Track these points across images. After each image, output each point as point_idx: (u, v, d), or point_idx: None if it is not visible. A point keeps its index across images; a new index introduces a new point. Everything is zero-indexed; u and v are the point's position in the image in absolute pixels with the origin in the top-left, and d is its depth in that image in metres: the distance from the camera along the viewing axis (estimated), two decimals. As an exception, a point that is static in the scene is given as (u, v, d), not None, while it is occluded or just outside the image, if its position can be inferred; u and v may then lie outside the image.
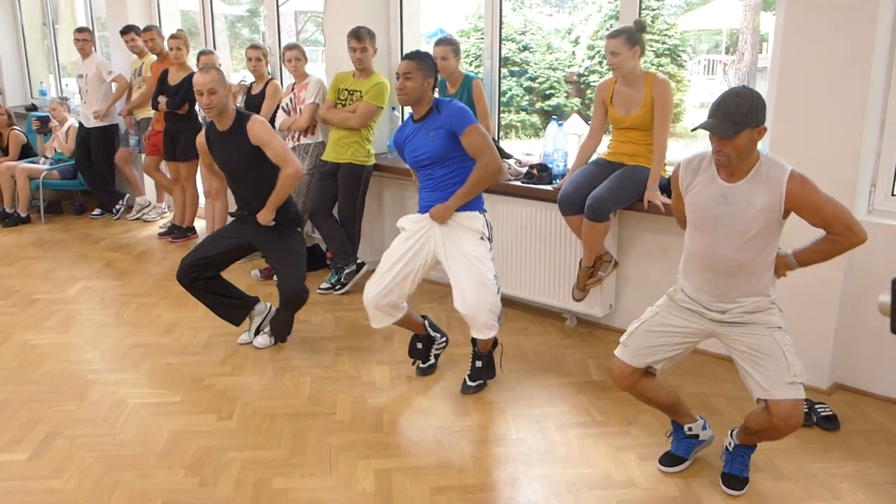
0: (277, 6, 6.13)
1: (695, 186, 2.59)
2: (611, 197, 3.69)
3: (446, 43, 4.47)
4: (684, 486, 2.83)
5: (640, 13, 4.10)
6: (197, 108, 5.79)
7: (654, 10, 13.04)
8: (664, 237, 3.96)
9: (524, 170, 4.43)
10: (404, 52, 5.22)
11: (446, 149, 3.32)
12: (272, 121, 5.30)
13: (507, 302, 4.64)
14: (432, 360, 3.82)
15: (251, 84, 5.45)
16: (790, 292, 3.52)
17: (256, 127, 3.80)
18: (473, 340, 3.58)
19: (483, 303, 3.34)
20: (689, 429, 2.93)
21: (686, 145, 11.61)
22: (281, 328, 4.11)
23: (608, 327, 4.28)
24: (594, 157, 3.99)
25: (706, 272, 2.60)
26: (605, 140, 4.04)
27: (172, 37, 5.83)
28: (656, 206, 3.67)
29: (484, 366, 3.63)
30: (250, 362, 3.92)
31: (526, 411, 3.40)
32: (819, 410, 3.26)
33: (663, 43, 12.95)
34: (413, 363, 3.83)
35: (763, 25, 13.31)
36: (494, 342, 3.61)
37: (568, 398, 3.52)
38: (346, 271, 4.93)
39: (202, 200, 6.19)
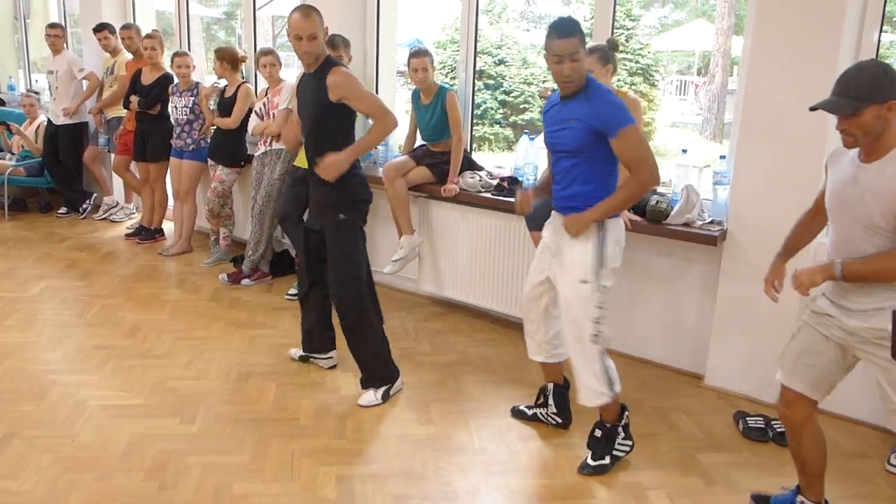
0: (254, 10, 6.12)
1: (835, 169, 2.37)
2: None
3: (424, 54, 4.51)
4: (641, 497, 2.86)
5: (612, 32, 4.17)
6: (169, 108, 5.76)
7: (628, 29, 13.23)
8: (629, 253, 4.00)
9: (495, 182, 4.47)
10: (378, 60, 5.26)
11: (583, 144, 2.81)
12: (244, 125, 5.30)
13: (475, 313, 4.68)
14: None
15: (224, 87, 5.43)
16: (753, 311, 3.60)
17: (335, 77, 3.27)
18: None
19: (580, 361, 2.94)
20: (802, 502, 2.69)
21: (657, 163, 11.78)
22: (370, 361, 3.58)
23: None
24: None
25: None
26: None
27: (147, 36, 5.81)
28: (624, 222, 3.71)
29: (604, 438, 3.05)
30: (215, 367, 3.89)
31: (489, 421, 3.42)
32: (775, 426, 3.32)
33: (637, 62, 13.13)
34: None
35: (734, 49, 13.57)
36: (622, 410, 3.08)
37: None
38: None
39: (171, 202, 6.15)
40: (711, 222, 3.74)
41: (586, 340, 2.89)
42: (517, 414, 3.46)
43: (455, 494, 2.85)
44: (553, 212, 3.04)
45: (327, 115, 3.36)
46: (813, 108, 2.26)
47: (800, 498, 2.67)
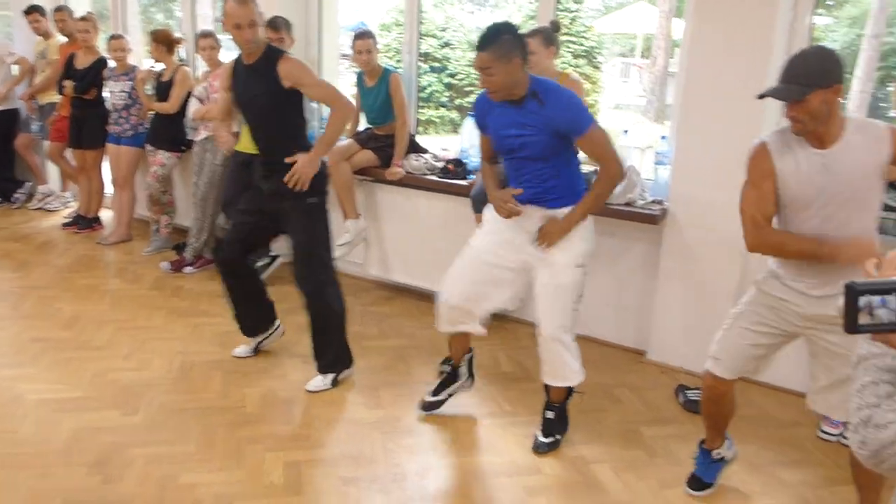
0: (192, -8, 5.98)
1: (790, 163, 2.33)
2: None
3: (368, 36, 4.48)
4: (586, 472, 2.92)
5: (555, 14, 4.20)
6: (106, 93, 5.60)
7: (572, 12, 13.30)
8: (574, 233, 4.06)
9: (440, 165, 4.47)
10: (321, 43, 5.19)
11: (551, 150, 2.80)
12: (183, 109, 5.18)
13: (422, 296, 4.69)
14: (442, 397, 3.33)
15: (161, 71, 5.30)
16: (692, 288, 3.69)
17: (288, 66, 3.22)
18: (546, 386, 3.13)
19: (563, 344, 2.97)
20: (718, 454, 2.81)
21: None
22: (336, 347, 3.58)
23: (519, 320, 4.36)
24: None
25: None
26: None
27: (81, 19, 5.62)
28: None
29: (557, 417, 3.13)
30: (158, 357, 3.82)
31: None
32: (689, 395, 3.42)
33: (580, 45, 13.22)
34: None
35: (676, 32, 13.77)
36: (569, 391, 3.16)
37: (478, 389, 3.57)
38: (259, 264, 4.86)
39: (109, 189, 6.00)
40: (653, 202, 3.80)
41: (569, 321, 2.93)
42: (429, 407, 3.33)
43: (404, 476, 2.87)
44: (529, 207, 2.90)
45: (283, 104, 3.30)
46: (761, 96, 2.29)
47: (715, 452, 2.80)
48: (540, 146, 2.79)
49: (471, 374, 3.39)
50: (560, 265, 2.89)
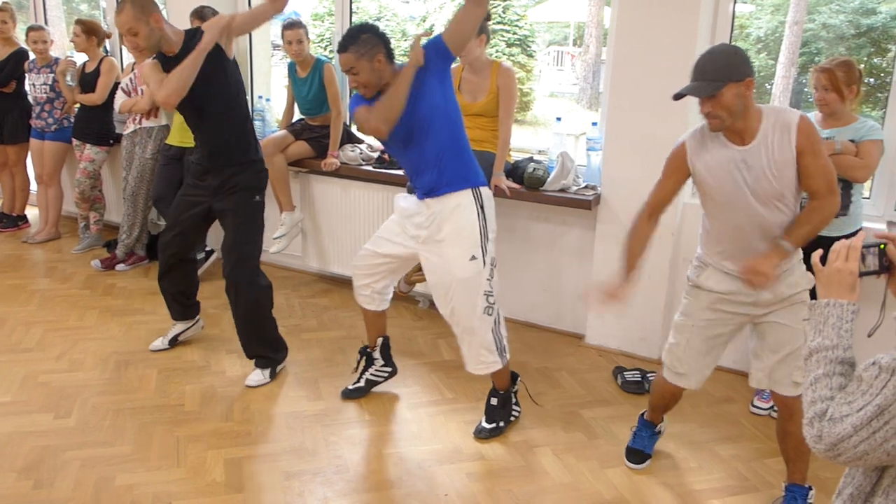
0: (115, -19, 5.80)
1: (709, 160, 2.39)
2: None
3: (298, 26, 4.42)
4: (528, 455, 2.97)
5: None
6: (27, 86, 5.40)
7: (505, 0, 13.37)
8: (510, 220, 4.11)
9: (375, 154, 4.46)
10: (251, 34, 5.10)
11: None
12: (110, 101, 5.04)
13: (362, 287, 4.67)
14: (361, 384, 3.40)
15: (85, 62, 5.14)
16: (611, 267, 3.76)
17: (206, 32, 3.06)
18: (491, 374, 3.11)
19: (473, 336, 2.96)
20: (660, 430, 2.97)
21: (535, 133, 12.04)
22: (270, 340, 3.55)
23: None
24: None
25: (745, 247, 2.41)
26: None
27: (-3, 9, 5.41)
28: (502, 190, 3.79)
29: (500, 404, 3.15)
30: (91, 357, 3.72)
31: (378, 393, 3.43)
32: (650, 378, 3.50)
33: (514, 33, 13.31)
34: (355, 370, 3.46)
35: (607, 20, 13.97)
36: (514, 377, 3.21)
37: (420, 378, 3.59)
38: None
39: (34, 186, 5.80)
40: (586, 187, 3.86)
41: (480, 314, 2.88)
42: (350, 394, 3.38)
43: (346, 467, 2.87)
44: (430, 200, 2.90)
45: (220, 87, 3.18)
46: (676, 96, 2.32)
47: (659, 427, 2.97)
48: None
49: (388, 362, 3.41)
50: (452, 262, 2.87)
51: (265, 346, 3.52)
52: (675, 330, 2.66)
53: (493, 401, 3.13)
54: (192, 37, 3.13)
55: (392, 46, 2.86)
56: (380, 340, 3.38)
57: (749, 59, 2.30)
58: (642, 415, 2.98)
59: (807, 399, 1.35)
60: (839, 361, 1.35)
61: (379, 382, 3.42)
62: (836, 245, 1.42)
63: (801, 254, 2.46)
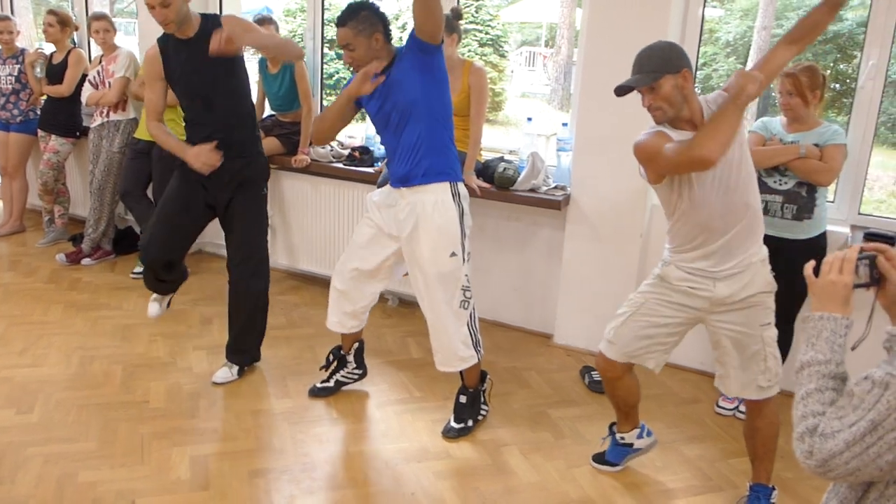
0: (84, -29, 5.72)
1: None
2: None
3: (268, 22, 4.40)
4: (495, 454, 2.98)
5: (458, 2, 4.22)
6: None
7: (477, 0, 13.38)
8: (480, 220, 4.12)
9: (346, 152, 4.45)
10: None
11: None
12: (77, 93, 4.97)
13: (328, 284, 4.65)
14: (331, 384, 3.39)
15: (52, 53, 5.06)
16: (594, 271, 3.80)
17: (229, 22, 2.97)
18: (461, 372, 3.13)
19: (449, 330, 2.98)
20: (622, 438, 2.86)
21: (506, 133, 12.08)
22: (256, 337, 3.52)
23: (429, 307, 4.40)
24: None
25: (718, 234, 2.41)
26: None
27: (-39, -1, 5.30)
28: (473, 189, 3.80)
29: (469, 402, 3.15)
30: (54, 352, 3.67)
31: (346, 391, 3.43)
32: (594, 376, 3.55)
33: (486, 33, 13.33)
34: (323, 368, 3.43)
35: (578, 21, 14.06)
36: (483, 376, 3.22)
37: (388, 376, 3.59)
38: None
39: (-2, 179, 5.70)
40: (556, 187, 3.89)
41: (456, 308, 2.92)
42: (318, 393, 3.37)
43: (314, 465, 2.86)
44: (404, 189, 2.92)
45: (233, 76, 3.13)
46: (618, 89, 2.39)
47: (619, 435, 2.87)
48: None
49: (360, 365, 3.42)
50: (431, 258, 2.89)
51: (257, 339, 3.51)
52: (625, 304, 2.68)
53: (463, 398, 3.14)
54: (208, 23, 3.07)
55: (389, 23, 2.86)
56: (355, 345, 3.37)
57: (685, 53, 2.39)
58: (612, 423, 2.92)
59: (797, 414, 1.32)
60: (831, 376, 1.33)
61: (348, 383, 3.41)
62: (830, 257, 1.41)
63: (762, 254, 2.48)
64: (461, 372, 3.10)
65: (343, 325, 3.25)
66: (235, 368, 3.48)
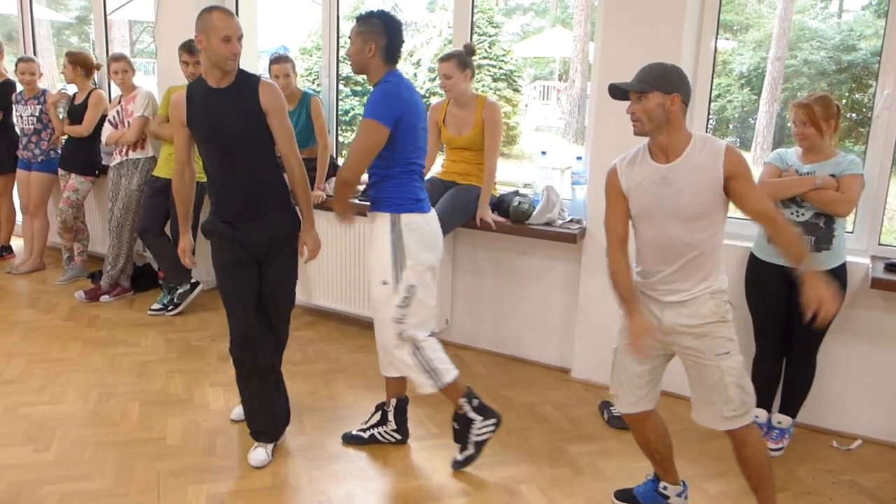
0: (105, 14, 5.84)
1: (635, 178, 2.47)
2: (444, 216, 3.79)
3: (285, 60, 4.46)
4: (514, 491, 2.94)
5: (471, 37, 4.27)
6: (14, 117, 5.40)
7: (491, 36, 13.53)
8: (496, 254, 4.13)
9: (362, 188, 4.47)
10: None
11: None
12: (97, 133, 5.05)
13: (346, 319, 4.66)
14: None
15: (74, 94, 5.16)
16: (612, 304, 3.77)
17: (271, 90, 2.92)
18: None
19: (394, 359, 3.03)
20: (664, 487, 2.81)
21: (521, 166, 12.13)
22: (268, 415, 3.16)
23: (444, 342, 4.37)
24: (428, 175, 4.10)
25: (658, 263, 2.46)
26: (439, 160, 4.16)
27: (-15, 42, 5.43)
28: (488, 223, 3.81)
29: (460, 426, 3.06)
30: (72, 389, 3.68)
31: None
32: (613, 411, 3.50)
33: (500, 68, 13.46)
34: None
35: (591, 55, 14.17)
36: (468, 394, 3.06)
37: (405, 412, 3.57)
38: (180, 291, 4.75)
39: (19, 217, 5.77)
40: (571, 221, 3.89)
41: (392, 337, 2.96)
42: (351, 440, 3.26)
43: (330, 502, 2.83)
44: (369, 212, 3.05)
45: (265, 133, 2.95)
46: (611, 90, 2.43)
47: (662, 483, 2.81)
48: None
49: (401, 428, 3.26)
50: (371, 280, 3.01)
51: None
52: (613, 355, 2.69)
53: (456, 426, 3.08)
54: (246, 79, 2.94)
55: (396, 45, 2.89)
56: (393, 401, 3.24)
57: (688, 83, 2.40)
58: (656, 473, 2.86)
59: None
60: None
61: (383, 443, 3.28)
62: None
63: (714, 287, 2.44)
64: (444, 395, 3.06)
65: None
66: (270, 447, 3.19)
